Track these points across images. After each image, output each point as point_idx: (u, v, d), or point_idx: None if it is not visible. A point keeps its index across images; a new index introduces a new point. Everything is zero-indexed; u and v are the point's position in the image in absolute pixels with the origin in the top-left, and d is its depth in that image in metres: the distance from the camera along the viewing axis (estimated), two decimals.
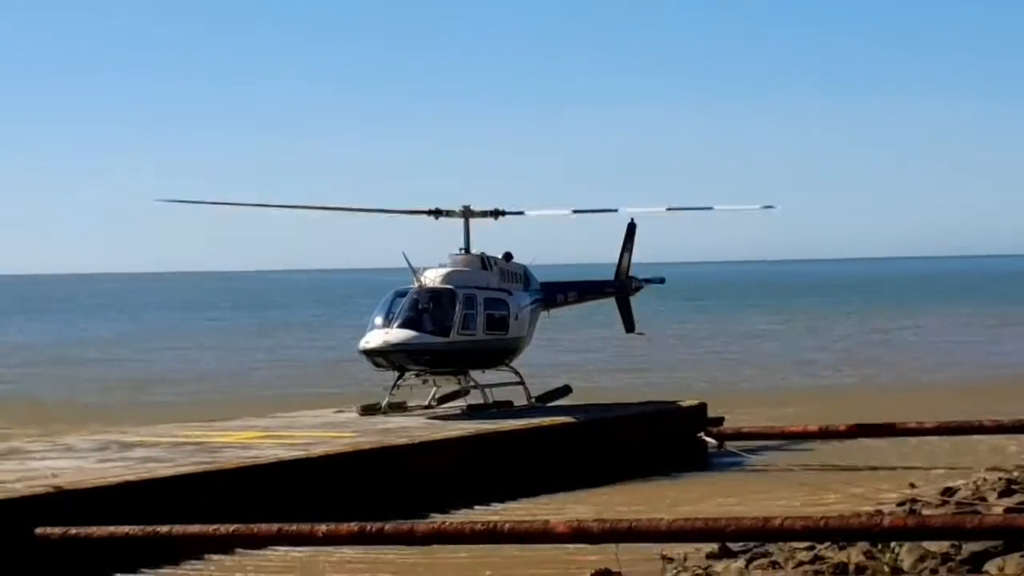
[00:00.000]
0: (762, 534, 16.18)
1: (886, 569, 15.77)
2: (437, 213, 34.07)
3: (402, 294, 32.43)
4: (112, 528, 19.42)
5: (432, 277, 32.85)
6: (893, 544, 17.27)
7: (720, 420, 33.04)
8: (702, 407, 33.23)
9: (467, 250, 34.04)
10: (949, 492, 23.85)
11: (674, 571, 18.91)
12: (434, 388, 33.52)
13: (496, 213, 34.53)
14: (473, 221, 34.30)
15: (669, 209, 38.22)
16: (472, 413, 31.75)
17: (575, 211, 36.93)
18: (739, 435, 32.37)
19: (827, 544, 18.25)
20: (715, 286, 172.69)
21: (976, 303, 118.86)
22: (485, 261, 33.92)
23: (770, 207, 38.59)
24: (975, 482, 24.80)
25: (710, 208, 38.39)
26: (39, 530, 19.75)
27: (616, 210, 37.49)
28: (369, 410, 32.16)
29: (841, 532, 15.87)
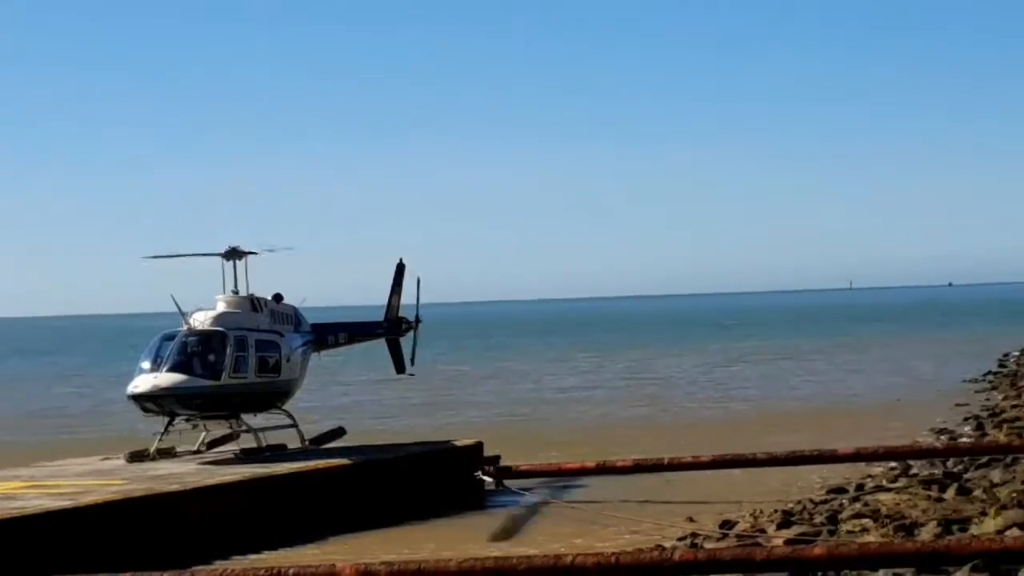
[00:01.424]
0: (553, 572, 16.04)
1: None
2: (231, 254, 33.00)
3: (170, 337, 31.59)
4: None
5: (202, 319, 32.10)
6: None
7: (496, 459, 32.98)
8: (478, 446, 33.11)
9: (235, 292, 33.33)
10: (728, 525, 24.13)
11: None
12: (204, 433, 32.75)
13: (239, 254, 33.30)
14: (239, 262, 33.36)
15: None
16: (246, 457, 31.06)
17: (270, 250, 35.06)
18: (517, 473, 32.33)
19: None
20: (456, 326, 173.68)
21: (709, 340, 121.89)
22: (255, 303, 33.28)
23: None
24: (752, 515, 25.17)
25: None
26: None
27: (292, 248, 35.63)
28: (137, 457, 31.27)
29: (633, 568, 15.83)
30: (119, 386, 32.40)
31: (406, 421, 51.80)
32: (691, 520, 25.78)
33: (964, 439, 37.35)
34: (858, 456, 31.06)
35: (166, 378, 30.56)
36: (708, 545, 21.15)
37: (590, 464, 31.98)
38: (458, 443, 33.69)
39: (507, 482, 32.08)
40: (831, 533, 21.59)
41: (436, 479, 31.44)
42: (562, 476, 32.75)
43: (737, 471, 31.78)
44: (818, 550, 15.36)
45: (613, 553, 16.30)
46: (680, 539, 23.36)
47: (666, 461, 31.26)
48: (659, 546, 21.58)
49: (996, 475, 26.77)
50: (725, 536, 22.99)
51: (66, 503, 24.40)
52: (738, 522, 24.30)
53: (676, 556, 15.50)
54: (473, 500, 31.35)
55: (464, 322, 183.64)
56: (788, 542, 20.07)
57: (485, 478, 32.07)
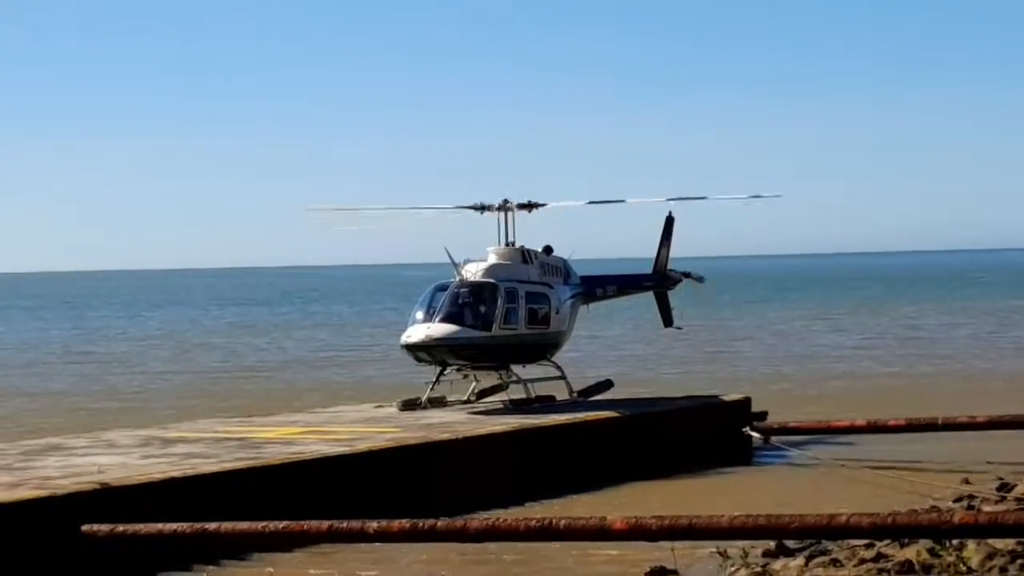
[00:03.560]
0: (827, 531, 15.81)
1: (963, 567, 15.37)
2: (482, 208, 33.75)
3: (443, 288, 32.10)
4: (160, 525, 19.15)
5: (473, 271, 32.53)
6: (956, 542, 16.91)
7: (764, 415, 32.66)
8: (746, 401, 32.85)
9: (508, 243, 33.72)
10: (1005, 488, 23.44)
11: (732, 569, 18.57)
12: (474, 383, 33.22)
13: (530, 205, 34.09)
14: (512, 215, 33.91)
15: (668, 199, 37.71)
16: (515, 408, 31.40)
17: (589, 202, 36.52)
18: (785, 430, 31.97)
19: (887, 542, 17.87)
20: (729, 280, 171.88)
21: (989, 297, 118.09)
22: (526, 255, 33.58)
23: (758, 196, 37.96)
24: None
25: (704, 198, 37.60)
26: (86, 527, 19.50)
27: (624, 200, 37.00)
28: (409, 405, 31.85)
29: (910, 529, 15.48)
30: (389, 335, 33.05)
31: (673, 374, 51.69)
32: (967, 482, 25.12)
33: None
34: None
35: (438, 328, 31.07)
36: (986, 508, 20.58)
37: (860, 422, 31.37)
38: (726, 398, 33.47)
39: (775, 439, 31.76)
40: None
41: (704, 434, 31.30)
42: (832, 434, 32.24)
43: (1015, 433, 30.79)
44: None
45: (889, 514, 15.94)
46: (955, 500, 22.80)
47: (940, 421, 30.46)
48: (935, 507, 21.10)
49: None
50: (1003, 499, 22.35)
51: (342, 449, 25.05)
52: (1016, 485, 23.56)
53: (955, 519, 15.10)
54: (741, 456, 31.13)
55: (728, 276, 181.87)
56: None
57: (753, 434, 31.81)
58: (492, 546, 19.78)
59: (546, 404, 32.11)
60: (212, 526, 18.95)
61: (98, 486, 20.87)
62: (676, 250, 37.82)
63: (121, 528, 19.35)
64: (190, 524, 19.06)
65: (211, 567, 20.52)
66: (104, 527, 19.41)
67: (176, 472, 22.34)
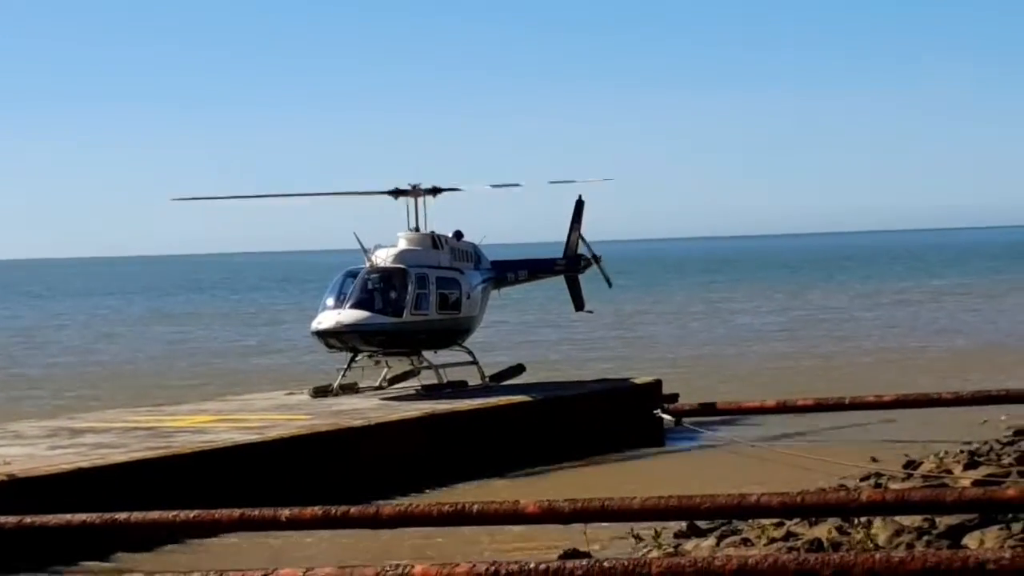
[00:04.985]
0: (738, 511, 15.93)
1: (870, 544, 15.56)
2: (397, 193, 33.57)
3: (353, 274, 31.99)
4: (68, 516, 18.92)
5: (383, 257, 32.45)
6: (864, 519, 17.10)
7: (675, 397, 32.86)
8: (657, 384, 33.03)
9: (417, 229, 33.63)
10: (912, 465, 23.73)
11: (644, 550, 18.68)
12: (385, 369, 33.14)
13: (435, 190, 33.92)
14: (424, 200, 33.84)
15: (551, 183, 37.66)
16: (427, 393, 31.38)
17: (493, 185, 36.51)
18: (695, 411, 32.19)
19: (796, 520, 18.05)
20: (641, 264, 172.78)
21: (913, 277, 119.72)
22: (436, 240, 33.54)
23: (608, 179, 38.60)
24: (938, 455, 24.70)
25: (517, 185, 37.31)
26: None
27: (520, 184, 36.84)
28: (321, 392, 31.74)
29: (818, 508, 15.65)
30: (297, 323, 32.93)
31: (584, 358, 51.87)
32: (874, 460, 25.43)
33: None
34: None
35: (349, 315, 30.97)
36: (893, 486, 20.83)
37: (770, 403, 31.69)
38: (637, 381, 33.63)
39: (686, 420, 31.98)
40: (1021, 475, 21.12)
41: (615, 417, 31.44)
42: (742, 415, 32.53)
43: (921, 411, 31.22)
44: (1011, 491, 15.01)
45: (798, 493, 16.11)
46: (863, 479, 23.05)
47: (847, 400, 30.84)
48: (843, 486, 21.34)
49: None
50: (910, 476, 22.63)
51: (254, 437, 24.93)
52: (923, 463, 23.88)
53: (863, 497, 15.28)
54: (653, 438, 31.30)
55: (632, 260, 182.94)
56: (976, 483, 19.69)
57: (664, 416, 31.99)
58: (406, 532, 19.78)
59: (458, 389, 32.14)
60: (122, 516, 18.76)
61: (5, 478, 20.64)
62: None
63: (29, 519, 19.12)
64: (99, 514, 18.85)
65: (121, 555, 20.36)
66: (12, 519, 19.16)
67: (85, 462, 22.13)
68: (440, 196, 33.95)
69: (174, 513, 18.54)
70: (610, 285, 38.82)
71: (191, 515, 18.41)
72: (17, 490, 20.36)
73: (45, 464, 21.93)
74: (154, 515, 18.70)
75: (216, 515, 18.37)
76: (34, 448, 24.03)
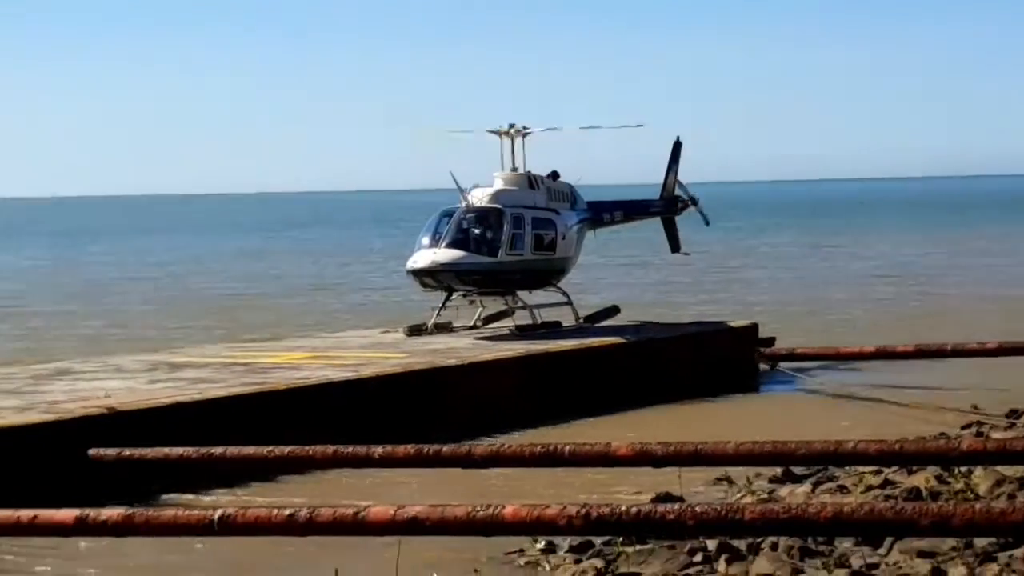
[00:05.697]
0: (834, 458, 15.71)
1: (970, 494, 15.31)
2: (494, 132, 33.46)
3: (449, 214, 31.96)
4: (166, 449, 19.12)
5: (479, 196, 32.37)
6: (965, 469, 16.85)
7: (772, 340, 32.60)
8: (753, 327, 32.77)
9: (514, 169, 33.52)
10: (1015, 414, 23.39)
11: (738, 495, 18.55)
12: (480, 309, 33.14)
13: (523, 131, 33.74)
14: (517, 140, 33.68)
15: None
16: (521, 333, 31.33)
17: (585, 126, 36.51)
18: (792, 356, 31.89)
19: (895, 468, 17.83)
20: (738, 206, 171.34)
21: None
22: (532, 180, 33.40)
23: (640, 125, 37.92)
24: None
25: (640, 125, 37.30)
26: (93, 451, 19.49)
27: (642, 125, 36.90)
28: (415, 331, 31.79)
29: (917, 456, 15.40)
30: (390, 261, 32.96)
31: (680, 301, 51.57)
32: (976, 408, 25.05)
33: None
34: None
35: (444, 254, 30.96)
36: (995, 435, 20.52)
37: (869, 348, 31.26)
38: (733, 324, 33.40)
39: (782, 365, 31.71)
40: None
41: (711, 359, 31.23)
42: (840, 360, 32.15)
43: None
44: None
45: (896, 441, 15.85)
46: (964, 427, 22.75)
47: (949, 347, 30.31)
48: (943, 434, 21.06)
49: None
50: (1012, 426, 22.30)
51: (349, 374, 25.02)
52: None
53: (963, 446, 15.00)
54: (748, 382, 31.08)
55: (726, 202, 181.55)
56: None
57: (760, 361, 31.74)
58: (497, 473, 19.80)
59: (552, 330, 32.05)
60: (218, 450, 18.89)
61: (105, 410, 20.89)
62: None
63: (128, 452, 19.34)
64: (196, 448, 19.02)
65: (217, 491, 20.54)
66: (111, 451, 19.40)
67: (183, 396, 22.34)
68: (535, 136, 33.81)
69: (269, 449, 18.64)
70: (707, 223, 38.51)
71: (285, 451, 18.50)
72: (116, 423, 20.59)
73: (144, 397, 22.15)
74: (249, 450, 18.82)
75: (310, 452, 18.45)
76: (134, 382, 24.29)
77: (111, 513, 13.18)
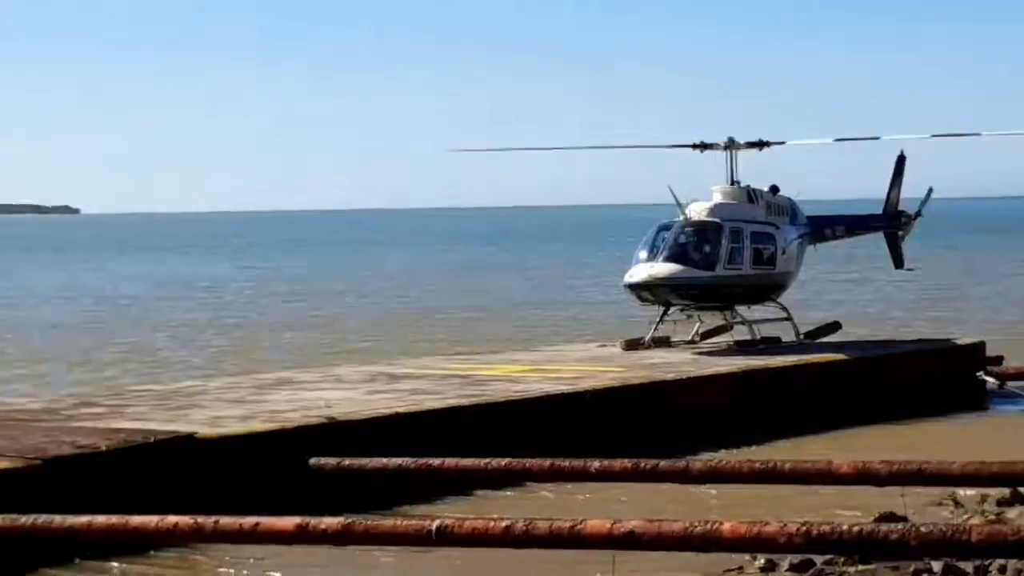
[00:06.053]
0: None
1: None
2: (702, 146, 33.38)
3: (667, 228, 31.84)
4: (385, 460, 19.29)
5: (698, 210, 32.17)
6: None
7: (1000, 359, 31.69)
8: (980, 345, 31.93)
9: (732, 183, 33.25)
10: None
11: (965, 516, 18.03)
12: (697, 323, 32.88)
13: (760, 144, 33.69)
14: (737, 153, 33.47)
15: (933, 136, 36.96)
16: (740, 349, 31.01)
17: (837, 139, 35.93)
18: (1022, 375, 30.89)
19: None
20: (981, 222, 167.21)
21: None
22: (751, 194, 33.09)
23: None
24: None
25: (977, 135, 36.64)
26: (313, 460, 19.78)
27: (878, 137, 36.35)
28: (633, 345, 31.68)
29: None
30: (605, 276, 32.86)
31: (904, 318, 50.46)
32: None
33: None
34: None
35: (662, 268, 30.84)
36: None
37: None
38: (958, 341, 32.57)
39: (1011, 384, 30.76)
40: None
41: (934, 378, 30.47)
42: None
43: None
44: None
45: None
46: None
47: None
48: None
49: None
50: None
51: (565, 387, 25.02)
52: None
53: None
54: (974, 402, 30.25)
55: (946, 218, 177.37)
56: None
57: (987, 379, 30.84)
58: (715, 489, 19.58)
59: (772, 346, 31.64)
60: (436, 462, 19.01)
61: (326, 420, 21.22)
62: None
63: (347, 462, 19.57)
64: (414, 459, 19.17)
65: (436, 503, 20.70)
66: (331, 460, 19.65)
67: (401, 407, 22.59)
68: (753, 151, 33.56)
69: (486, 461, 18.70)
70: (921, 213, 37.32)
71: (503, 463, 18.54)
72: (336, 432, 20.89)
73: (363, 408, 22.45)
74: (467, 462, 18.91)
75: (527, 464, 18.46)
76: (354, 392, 24.65)
77: (331, 522, 13.34)
